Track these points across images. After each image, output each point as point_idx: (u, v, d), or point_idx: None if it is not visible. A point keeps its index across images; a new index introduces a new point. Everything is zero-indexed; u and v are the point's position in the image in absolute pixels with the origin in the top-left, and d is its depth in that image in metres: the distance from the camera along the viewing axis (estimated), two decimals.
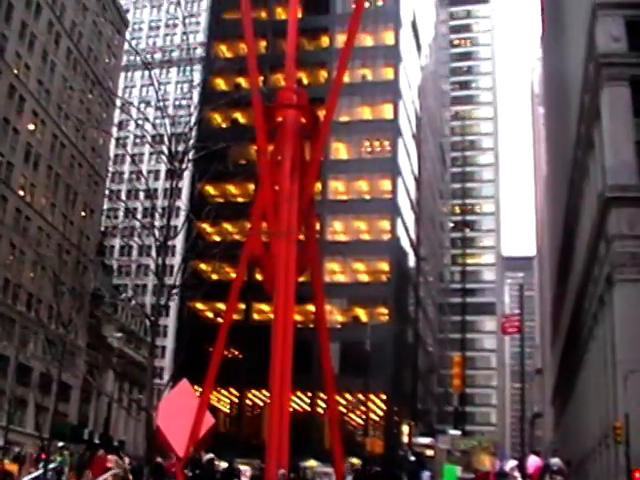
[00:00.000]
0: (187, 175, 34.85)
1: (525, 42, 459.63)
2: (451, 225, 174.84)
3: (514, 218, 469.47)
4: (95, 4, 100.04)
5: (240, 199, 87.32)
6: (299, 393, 76.75)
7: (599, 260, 49.79)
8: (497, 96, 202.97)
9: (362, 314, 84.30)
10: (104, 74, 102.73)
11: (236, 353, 79.78)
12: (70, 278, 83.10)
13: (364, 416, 72.89)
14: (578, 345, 66.68)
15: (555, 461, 34.33)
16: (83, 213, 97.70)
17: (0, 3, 77.09)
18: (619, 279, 43.68)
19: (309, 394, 78.58)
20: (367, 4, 74.92)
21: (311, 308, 28.24)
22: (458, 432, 74.79)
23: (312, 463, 63.94)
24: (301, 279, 26.49)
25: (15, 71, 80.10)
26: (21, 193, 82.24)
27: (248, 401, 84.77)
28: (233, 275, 32.93)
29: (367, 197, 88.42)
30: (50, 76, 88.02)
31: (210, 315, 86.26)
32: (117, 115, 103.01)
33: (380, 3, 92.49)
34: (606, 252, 46.28)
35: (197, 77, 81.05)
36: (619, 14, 49.35)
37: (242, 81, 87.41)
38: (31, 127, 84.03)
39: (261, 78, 75.88)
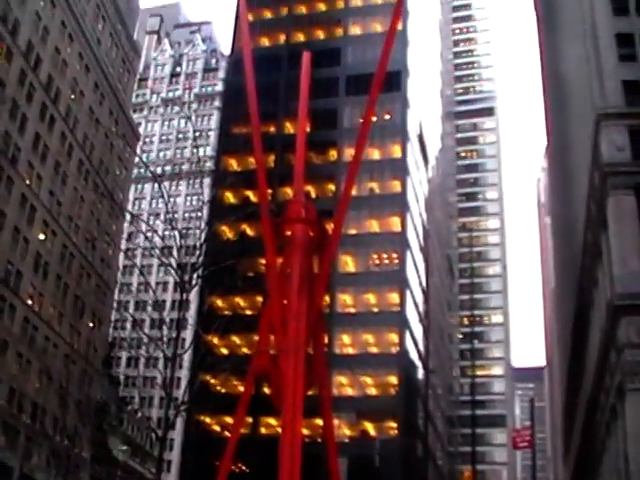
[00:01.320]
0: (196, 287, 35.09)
1: (530, 153, 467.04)
2: (460, 337, 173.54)
3: (523, 329, 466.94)
4: (107, 118, 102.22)
5: (248, 312, 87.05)
6: None
7: (610, 369, 49.21)
8: (504, 207, 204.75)
9: (371, 428, 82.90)
10: (114, 186, 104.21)
11: (243, 468, 78.17)
12: (76, 389, 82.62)
13: None
14: (591, 457, 65.33)
15: None
16: (91, 324, 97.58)
17: (15, 114, 78.89)
18: (630, 388, 43.13)
19: None
20: (374, 118, 76.32)
21: (319, 422, 27.70)
22: None
23: None
24: (309, 392, 26.12)
25: (27, 181, 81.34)
26: (29, 302, 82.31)
27: None
28: (241, 388, 32.54)
29: (375, 310, 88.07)
30: (61, 187, 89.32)
31: (217, 429, 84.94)
32: (127, 226, 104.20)
33: (387, 117, 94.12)
34: (617, 361, 45.78)
35: (206, 190, 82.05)
36: (622, 124, 50.20)
37: (251, 194, 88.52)
38: (41, 237, 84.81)
39: (270, 191, 76.79)
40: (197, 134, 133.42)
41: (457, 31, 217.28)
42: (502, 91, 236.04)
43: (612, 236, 47.60)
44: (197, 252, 29.54)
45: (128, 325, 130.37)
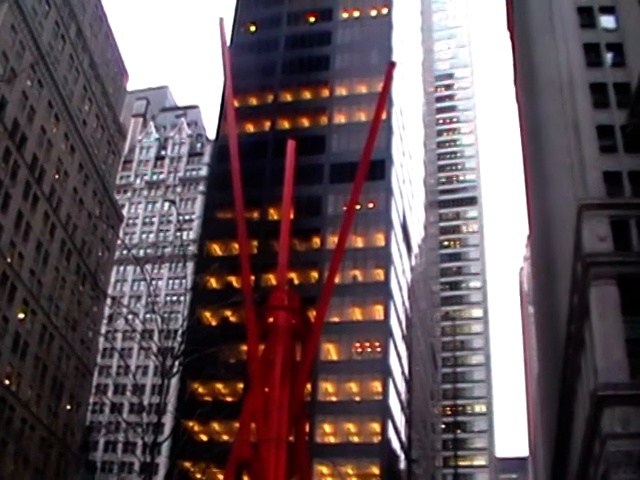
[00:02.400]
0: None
1: (513, 241, 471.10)
2: (442, 426, 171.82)
3: (507, 418, 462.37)
4: (91, 199, 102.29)
5: (229, 398, 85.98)
6: None
7: (594, 459, 48.67)
8: (487, 296, 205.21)
9: None
10: (96, 267, 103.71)
11: None
12: (53, 474, 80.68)
13: None
14: None
15: None
16: (69, 406, 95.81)
17: None
18: (615, 479, 42.51)
19: None
20: (358, 206, 76.78)
21: None
22: None
23: None
24: None
25: (9, 259, 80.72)
26: (7, 382, 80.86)
27: None
28: (221, 477, 31.85)
29: (357, 399, 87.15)
30: (43, 267, 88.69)
31: None
32: (107, 308, 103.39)
33: (371, 205, 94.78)
34: (601, 451, 45.30)
35: (189, 275, 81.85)
36: (604, 214, 50.70)
37: (234, 280, 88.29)
38: (21, 316, 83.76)
39: (253, 278, 76.60)
40: (181, 218, 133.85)
41: (440, 121, 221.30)
42: (485, 180, 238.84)
43: (595, 326, 47.56)
44: (179, 338, 29.18)
45: (107, 409, 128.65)
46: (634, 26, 49.10)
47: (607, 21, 60.65)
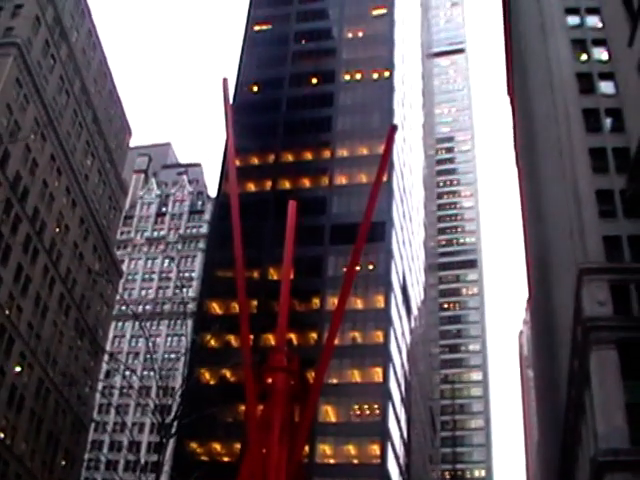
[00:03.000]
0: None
1: (514, 304, 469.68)
2: None
3: None
4: (91, 253, 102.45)
5: (227, 459, 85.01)
6: None
7: None
8: (487, 359, 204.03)
9: None
10: (95, 322, 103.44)
11: None
12: None
13: None
14: None
15: None
16: (64, 462, 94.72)
17: None
18: None
19: None
20: (357, 268, 76.86)
21: None
22: None
23: None
24: None
25: (7, 312, 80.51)
26: (1, 436, 79.99)
27: None
28: None
29: (355, 461, 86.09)
30: (41, 320, 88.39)
31: None
32: (105, 364, 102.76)
33: (371, 267, 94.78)
34: None
35: (188, 333, 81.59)
36: (604, 279, 50.76)
37: (233, 339, 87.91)
38: (18, 369, 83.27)
39: (252, 337, 76.30)
40: (180, 275, 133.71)
41: (441, 184, 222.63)
42: (485, 243, 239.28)
43: (595, 391, 47.32)
44: (177, 398, 29.01)
45: (102, 466, 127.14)
46: (633, 92, 49.58)
47: (606, 87, 61.49)
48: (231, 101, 42.49)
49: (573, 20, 67.31)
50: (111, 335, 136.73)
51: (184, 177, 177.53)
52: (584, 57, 64.60)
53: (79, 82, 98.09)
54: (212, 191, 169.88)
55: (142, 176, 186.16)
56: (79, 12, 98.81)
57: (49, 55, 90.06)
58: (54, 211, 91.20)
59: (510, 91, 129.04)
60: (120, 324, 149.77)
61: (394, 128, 37.53)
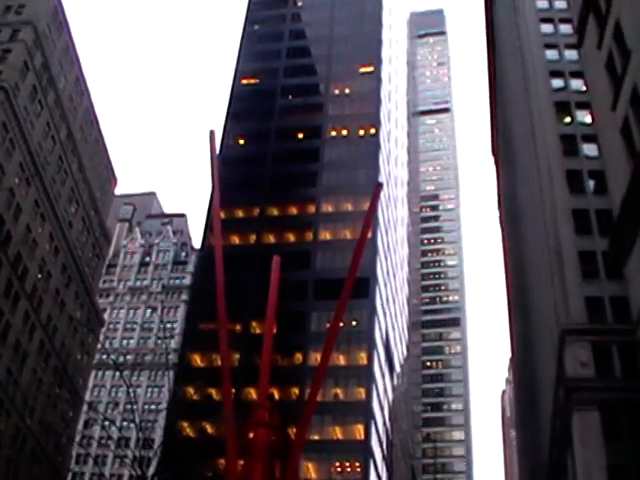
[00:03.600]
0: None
1: (497, 363, 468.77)
2: None
3: None
4: (73, 301, 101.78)
5: None
6: None
7: None
8: (469, 418, 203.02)
9: None
10: (74, 371, 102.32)
11: None
12: None
13: None
14: None
15: None
16: None
17: None
18: None
19: None
20: (341, 324, 76.69)
21: None
22: None
23: None
24: None
25: None
26: None
27: None
28: None
29: None
30: (20, 367, 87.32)
31: None
32: (84, 413, 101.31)
33: (354, 323, 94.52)
34: None
35: (169, 384, 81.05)
36: (586, 340, 50.83)
37: (214, 392, 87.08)
38: None
39: (233, 391, 75.68)
40: (162, 326, 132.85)
41: (425, 241, 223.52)
42: (469, 302, 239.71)
43: (577, 452, 47.16)
44: (156, 450, 28.69)
45: None
46: (615, 155, 50.17)
47: (589, 149, 62.24)
48: (217, 153, 42.73)
49: (557, 83, 68.41)
50: (91, 384, 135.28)
51: (168, 227, 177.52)
52: (568, 119, 65.52)
53: (65, 129, 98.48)
54: (196, 242, 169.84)
55: (126, 225, 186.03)
56: (68, 59, 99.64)
57: (36, 101, 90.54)
58: (37, 257, 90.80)
59: (494, 151, 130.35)
60: (100, 373, 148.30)
61: (380, 186, 37.84)
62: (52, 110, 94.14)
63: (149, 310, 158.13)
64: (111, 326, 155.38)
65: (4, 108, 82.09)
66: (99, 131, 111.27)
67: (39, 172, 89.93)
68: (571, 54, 68.76)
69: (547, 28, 72.84)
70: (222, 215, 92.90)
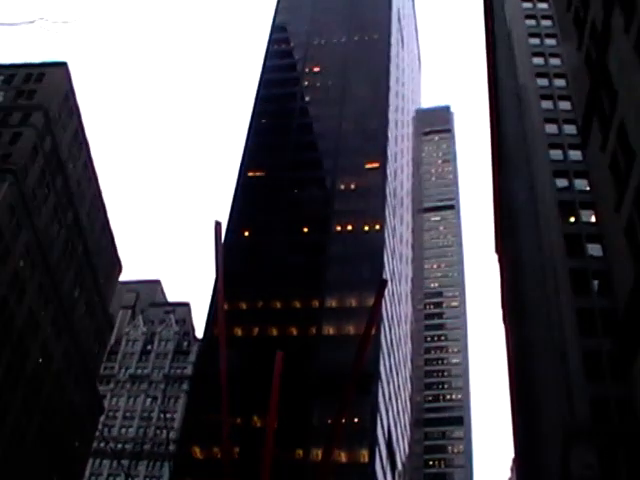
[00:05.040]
0: None
1: (500, 463, 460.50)
2: None
3: None
4: (73, 386, 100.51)
5: None
6: None
7: None
8: None
9: None
10: (72, 458, 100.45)
11: None
12: None
13: None
14: None
15: None
16: None
17: None
18: None
19: None
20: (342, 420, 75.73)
21: None
22: None
23: None
24: None
25: None
26: None
27: None
28: None
29: None
30: (17, 450, 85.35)
31: None
32: None
33: (356, 420, 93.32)
34: None
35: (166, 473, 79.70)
36: (591, 441, 50.07)
37: None
38: None
39: None
40: (162, 416, 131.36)
41: (429, 338, 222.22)
42: (473, 400, 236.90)
43: None
44: None
45: None
46: (620, 255, 50.36)
47: (594, 249, 62.42)
48: (222, 244, 42.80)
49: (562, 182, 69.09)
50: (88, 472, 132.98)
51: (171, 316, 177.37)
52: (572, 219, 65.95)
53: (72, 213, 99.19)
54: (199, 331, 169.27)
55: (129, 312, 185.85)
56: (77, 144, 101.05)
57: (44, 184, 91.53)
58: (39, 339, 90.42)
59: (498, 249, 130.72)
60: (98, 461, 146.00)
61: (384, 283, 37.79)
62: (60, 194, 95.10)
63: (149, 399, 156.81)
64: (110, 413, 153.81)
65: (12, 190, 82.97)
66: (106, 217, 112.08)
67: (44, 255, 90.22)
68: (575, 154, 69.66)
69: (551, 128, 73.96)
70: (225, 306, 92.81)
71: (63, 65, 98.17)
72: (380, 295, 36.24)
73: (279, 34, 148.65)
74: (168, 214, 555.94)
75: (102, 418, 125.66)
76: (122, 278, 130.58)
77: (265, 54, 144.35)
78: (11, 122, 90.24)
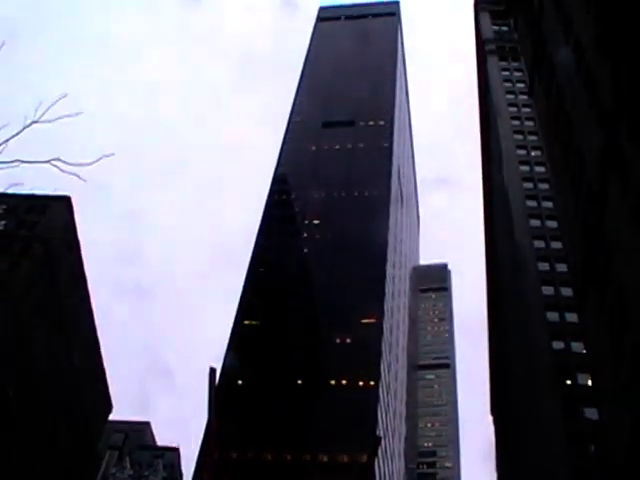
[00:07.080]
0: None
1: None
2: None
3: None
4: None
5: None
6: None
7: None
8: None
9: None
10: None
11: None
12: None
13: None
14: None
15: None
16: None
17: None
18: None
19: None
20: None
21: None
22: None
23: None
24: None
25: None
26: None
27: None
28: None
29: None
30: None
31: None
32: None
33: None
34: None
35: None
36: None
37: None
38: None
39: None
40: None
41: None
42: None
43: None
44: None
45: None
46: (616, 417, 49.97)
47: (590, 412, 61.70)
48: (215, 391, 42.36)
49: (558, 344, 68.96)
50: None
51: (160, 460, 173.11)
52: (568, 382, 65.53)
53: (65, 347, 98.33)
54: (187, 478, 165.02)
55: (116, 453, 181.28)
56: (74, 278, 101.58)
57: (39, 316, 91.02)
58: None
59: (493, 410, 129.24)
60: None
61: (379, 440, 37.45)
62: (54, 326, 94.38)
63: None
64: None
65: (5, 320, 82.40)
66: (99, 355, 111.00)
67: (35, 386, 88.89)
68: (571, 316, 69.81)
69: (548, 290, 74.44)
70: (216, 455, 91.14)
71: (66, 199, 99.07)
72: (374, 452, 35.77)
73: (280, 185, 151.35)
74: (162, 360, 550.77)
75: None
76: (112, 416, 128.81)
77: (266, 204, 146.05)
78: (11, 252, 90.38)
